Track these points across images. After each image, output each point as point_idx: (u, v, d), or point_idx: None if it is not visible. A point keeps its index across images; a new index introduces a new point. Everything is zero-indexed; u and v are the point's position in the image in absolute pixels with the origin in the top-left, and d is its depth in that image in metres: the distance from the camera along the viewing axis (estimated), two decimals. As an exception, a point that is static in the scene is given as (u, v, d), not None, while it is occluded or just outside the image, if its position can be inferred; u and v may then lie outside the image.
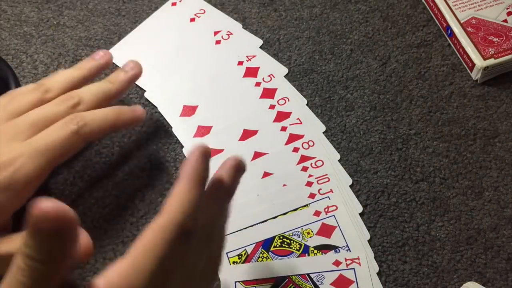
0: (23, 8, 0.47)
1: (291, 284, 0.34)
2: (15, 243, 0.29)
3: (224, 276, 0.34)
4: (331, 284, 0.34)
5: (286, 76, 0.43)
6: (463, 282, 0.34)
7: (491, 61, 0.41)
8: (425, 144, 0.40)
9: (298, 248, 0.35)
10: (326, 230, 0.35)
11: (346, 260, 0.34)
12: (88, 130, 0.32)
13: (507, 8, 0.44)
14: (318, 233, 0.35)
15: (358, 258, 0.34)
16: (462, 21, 0.43)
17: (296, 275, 0.34)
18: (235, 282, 0.34)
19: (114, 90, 0.36)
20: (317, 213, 0.36)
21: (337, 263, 0.34)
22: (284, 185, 0.37)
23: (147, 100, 0.42)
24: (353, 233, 0.36)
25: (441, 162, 0.39)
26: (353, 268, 0.34)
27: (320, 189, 0.37)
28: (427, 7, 0.46)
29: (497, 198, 0.37)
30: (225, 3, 0.47)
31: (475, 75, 0.42)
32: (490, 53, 0.41)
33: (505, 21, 0.43)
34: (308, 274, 0.34)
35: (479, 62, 0.41)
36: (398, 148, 0.40)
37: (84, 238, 0.30)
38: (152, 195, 0.38)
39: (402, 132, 0.40)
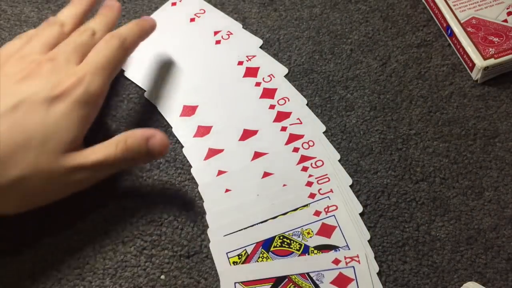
0: (23, 8, 0.46)
1: (291, 283, 0.34)
2: (100, 153, 0.33)
3: (224, 277, 0.34)
4: (331, 282, 0.34)
5: (286, 76, 0.43)
6: (463, 282, 0.34)
7: (491, 61, 0.41)
8: (425, 144, 0.40)
9: (298, 248, 0.35)
10: (326, 230, 0.35)
11: (345, 258, 0.34)
12: (128, 42, 0.37)
13: (507, 8, 0.44)
14: (318, 233, 0.35)
15: (357, 256, 0.34)
16: (462, 21, 0.43)
17: (296, 274, 0.34)
18: (235, 283, 0.34)
19: (113, 18, 0.39)
20: (317, 213, 0.36)
21: (336, 261, 0.34)
22: (284, 185, 0.37)
23: (146, 100, 0.42)
24: (353, 233, 0.35)
25: (441, 162, 0.39)
26: (353, 266, 0.34)
27: (320, 189, 0.37)
28: (427, 7, 0.46)
29: (497, 198, 0.37)
30: (225, 3, 0.47)
31: (475, 75, 0.42)
32: (490, 53, 0.41)
33: (505, 21, 0.43)
34: (307, 273, 0.34)
35: (479, 62, 0.41)
36: (398, 148, 0.40)
37: (160, 134, 0.34)
38: (152, 195, 0.38)
39: (402, 132, 0.40)
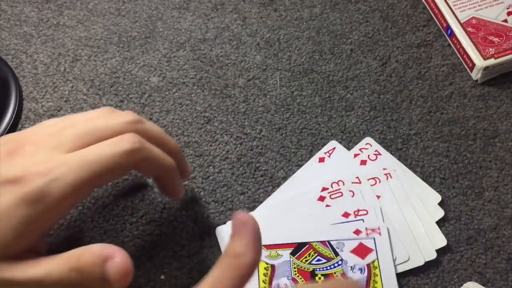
0: (23, 8, 0.47)
1: (311, 249, 0.34)
2: (42, 267, 0.26)
3: None
4: (351, 252, 0.34)
5: (285, 77, 0.43)
6: (463, 282, 0.34)
7: (491, 61, 0.41)
8: (425, 144, 0.40)
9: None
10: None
11: (366, 229, 0.35)
12: (142, 155, 0.28)
13: (507, 8, 0.44)
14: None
15: (378, 228, 0.35)
16: (462, 21, 0.43)
17: (317, 241, 0.35)
18: None
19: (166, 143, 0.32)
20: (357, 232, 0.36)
21: (357, 232, 0.35)
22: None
23: (146, 99, 0.42)
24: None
25: (441, 162, 0.39)
26: (373, 238, 0.35)
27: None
28: (427, 7, 0.46)
29: (497, 198, 0.37)
30: (225, 3, 0.47)
31: (475, 75, 0.42)
32: (490, 53, 0.41)
33: (505, 21, 0.43)
34: (328, 241, 0.35)
35: (479, 62, 0.41)
36: (398, 148, 0.40)
37: (122, 254, 0.27)
38: (152, 195, 0.38)
39: (402, 132, 0.40)
